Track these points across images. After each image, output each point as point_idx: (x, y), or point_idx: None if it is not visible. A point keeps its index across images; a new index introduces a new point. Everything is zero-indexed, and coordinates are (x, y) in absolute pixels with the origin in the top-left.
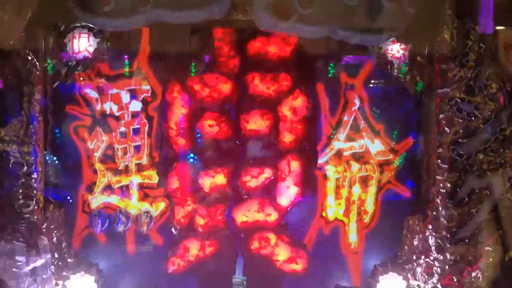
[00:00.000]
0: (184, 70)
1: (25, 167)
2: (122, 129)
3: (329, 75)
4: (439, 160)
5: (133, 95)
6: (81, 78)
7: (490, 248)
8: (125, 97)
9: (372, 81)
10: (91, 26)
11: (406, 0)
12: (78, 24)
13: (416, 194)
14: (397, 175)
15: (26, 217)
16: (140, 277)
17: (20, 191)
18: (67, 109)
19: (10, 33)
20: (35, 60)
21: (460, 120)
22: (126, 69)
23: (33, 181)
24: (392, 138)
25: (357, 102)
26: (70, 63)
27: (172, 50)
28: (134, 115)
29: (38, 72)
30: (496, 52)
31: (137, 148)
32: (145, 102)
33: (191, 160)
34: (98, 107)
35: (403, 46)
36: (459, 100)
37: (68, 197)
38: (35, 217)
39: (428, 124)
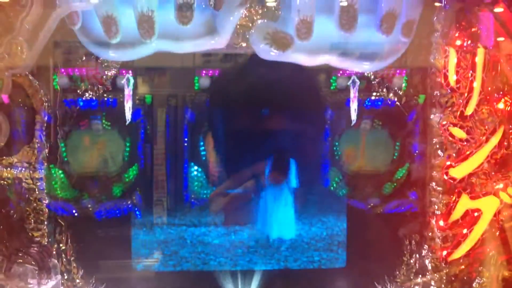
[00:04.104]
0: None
1: (37, 193)
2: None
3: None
4: (433, 183)
5: (138, 109)
6: (87, 95)
7: (484, 268)
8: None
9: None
10: None
11: (400, 29)
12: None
13: (417, 208)
14: (400, 187)
15: (37, 240)
16: None
17: (32, 215)
18: (74, 126)
19: (22, 63)
20: (47, 87)
21: (453, 144)
22: (131, 85)
23: (44, 206)
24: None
25: None
26: (76, 81)
27: (176, 64)
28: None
29: (50, 102)
30: (497, 65)
31: None
32: (150, 117)
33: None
34: (103, 121)
35: (398, 72)
36: (451, 125)
37: (74, 211)
38: (46, 240)
39: (424, 142)
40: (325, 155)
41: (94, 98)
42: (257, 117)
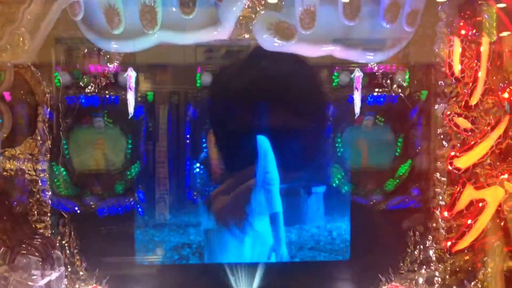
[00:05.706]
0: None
1: (40, 184)
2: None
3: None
4: (437, 174)
5: (140, 106)
6: (88, 91)
7: (489, 259)
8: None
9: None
10: None
11: (404, 19)
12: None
13: (420, 204)
14: (402, 183)
15: (41, 232)
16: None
17: (35, 207)
18: (76, 123)
19: (24, 54)
20: (49, 80)
21: (458, 135)
22: (133, 81)
23: (47, 197)
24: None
25: None
26: (79, 77)
27: (178, 61)
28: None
29: (52, 94)
30: (500, 59)
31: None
32: (152, 114)
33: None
34: (105, 118)
35: (402, 63)
36: (456, 115)
37: (76, 208)
38: (49, 232)
39: (428, 137)
40: (327, 151)
41: (96, 95)
42: (259, 113)
